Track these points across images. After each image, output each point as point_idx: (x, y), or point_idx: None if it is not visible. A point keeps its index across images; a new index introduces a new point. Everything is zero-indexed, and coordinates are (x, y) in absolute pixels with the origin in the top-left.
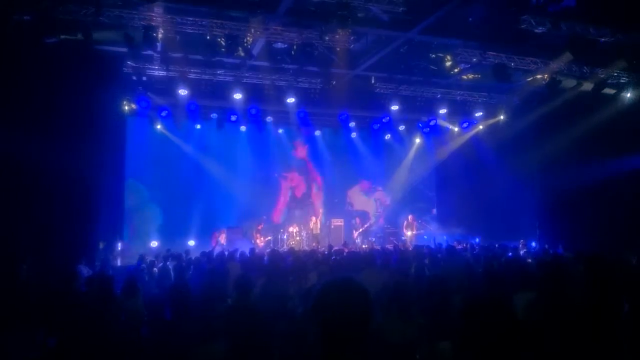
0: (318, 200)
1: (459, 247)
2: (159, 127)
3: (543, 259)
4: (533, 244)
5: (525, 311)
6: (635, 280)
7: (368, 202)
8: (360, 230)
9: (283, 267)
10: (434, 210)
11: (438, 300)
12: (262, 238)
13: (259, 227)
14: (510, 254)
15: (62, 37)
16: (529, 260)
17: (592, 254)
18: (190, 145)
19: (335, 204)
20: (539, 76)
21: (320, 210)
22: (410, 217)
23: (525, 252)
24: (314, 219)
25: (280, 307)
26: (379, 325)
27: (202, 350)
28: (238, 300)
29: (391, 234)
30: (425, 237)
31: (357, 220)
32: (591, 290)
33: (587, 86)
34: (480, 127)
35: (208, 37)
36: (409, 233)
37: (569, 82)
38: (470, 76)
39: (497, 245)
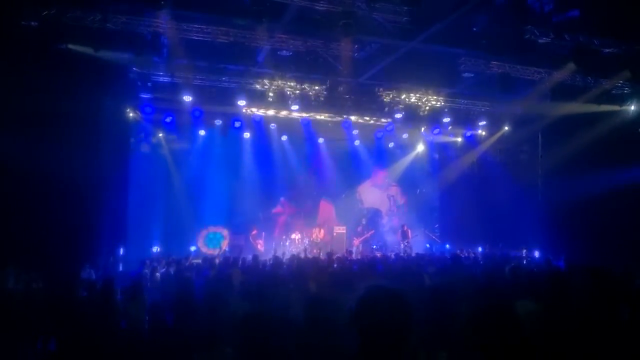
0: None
1: (463, 256)
2: (161, 134)
3: (547, 271)
4: (536, 253)
5: (525, 320)
6: (635, 290)
7: (381, 197)
8: (362, 238)
9: (284, 274)
10: (437, 219)
11: (439, 310)
12: (262, 242)
13: (253, 233)
14: (513, 263)
15: (69, 44)
16: (534, 270)
17: (597, 266)
18: (194, 151)
19: (343, 200)
20: (542, 86)
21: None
22: (404, 226)
23: (527, 261)
24: (318, 229)
25: (283, 315)
26: None
27: (205, 357)
28: (244, 307)
29: (393, 242)
30: (428, 245)
31: (361, 228)
32: (597, 302)
33: (591, 97)
34: (483, 133)
35: (213, 44)
36: (404, 242)
37: (572, 93)
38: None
39: (500, 255)
